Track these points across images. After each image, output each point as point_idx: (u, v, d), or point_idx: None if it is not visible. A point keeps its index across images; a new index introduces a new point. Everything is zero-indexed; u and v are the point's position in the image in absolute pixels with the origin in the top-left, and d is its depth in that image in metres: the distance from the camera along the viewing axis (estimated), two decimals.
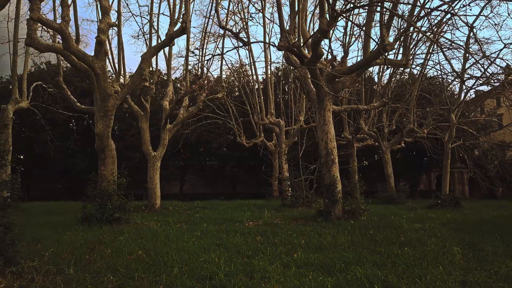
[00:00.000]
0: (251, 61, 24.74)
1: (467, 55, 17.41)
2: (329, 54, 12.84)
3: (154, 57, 18.22)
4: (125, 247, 7.85)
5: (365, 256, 6.91)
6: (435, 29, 13.67)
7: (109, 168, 11.55)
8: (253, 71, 25.36)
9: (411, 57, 23.28)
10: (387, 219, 11.55)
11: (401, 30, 12.22)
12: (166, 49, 18.20)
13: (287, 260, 6.84)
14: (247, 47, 23.80)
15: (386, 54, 10.28)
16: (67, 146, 32.07)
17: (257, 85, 25.73)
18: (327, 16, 9.00)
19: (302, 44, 11.14)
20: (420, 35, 19.31)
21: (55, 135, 28.65)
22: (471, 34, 17.13)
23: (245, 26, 23.37)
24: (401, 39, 11.65)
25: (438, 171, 41.87)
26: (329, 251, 7.39)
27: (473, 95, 30.02)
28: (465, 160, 26.67)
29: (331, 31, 12.32)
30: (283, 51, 12.62)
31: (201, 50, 17.94)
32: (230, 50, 43.37)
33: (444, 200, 17.09)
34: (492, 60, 16.06)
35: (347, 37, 16.57)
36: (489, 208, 17.10)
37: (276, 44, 10.86)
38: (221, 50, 19.58)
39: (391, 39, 11.28)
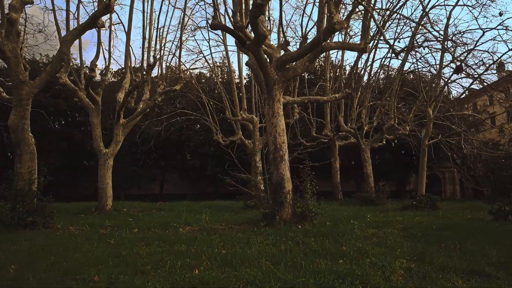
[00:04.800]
0: (226, 51, 23.41)
1: (445, 46, 16.09)
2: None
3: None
4: None
5: (278, 273, 5.57)
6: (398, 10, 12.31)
7: (26, 166, 10.18)
8: (225, 63, 23.86)
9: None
10: (341, 224, 10.23)
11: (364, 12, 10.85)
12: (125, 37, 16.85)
13: (180, 279, 5.51)
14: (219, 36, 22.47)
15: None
16: (44, 144, 30.83)
17: (231, 79, 24.37)
18: None
19: (246, 25, 9.79)
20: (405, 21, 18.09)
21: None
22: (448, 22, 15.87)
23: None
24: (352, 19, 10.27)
25: (428, 170, 40.65)
26: (242, 265, 6.04)
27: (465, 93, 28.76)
28: (449, 158, 25.37)
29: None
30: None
31: (157, 37, 16.48)
32: (196, 32, 41.84)
33: (419, 201, 15.75)
34: (470, 49, 14.84)
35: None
36: (469, 210, 15.79)
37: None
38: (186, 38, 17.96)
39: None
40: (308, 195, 10.33)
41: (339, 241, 7.90)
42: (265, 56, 10.93)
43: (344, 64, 25.06)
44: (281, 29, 14.82)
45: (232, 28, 9.50)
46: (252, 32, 9.91)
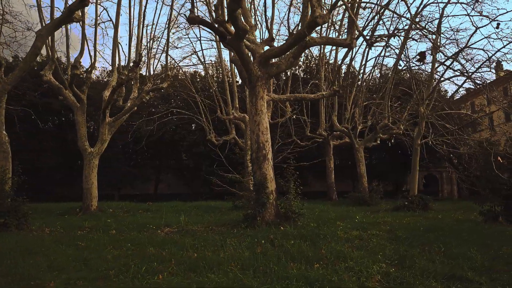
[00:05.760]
0: (218, 49, 22.98)
1: (438, 42, 15.78)
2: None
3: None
4: None
5: (244, 279, 5.23)
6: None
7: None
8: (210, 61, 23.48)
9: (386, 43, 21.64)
10: (326, 225, 9.89)
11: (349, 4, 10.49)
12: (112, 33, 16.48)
13: (142, 284, 5.19)
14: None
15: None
16: (34, 144, 30.54)
17: (223, 77, 24.01)
18: None
19: (227, 20, 9.44)
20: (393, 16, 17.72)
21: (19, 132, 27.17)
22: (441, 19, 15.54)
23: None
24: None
25: (426, 170, 40.28)
26: (209, 270, 5.70)
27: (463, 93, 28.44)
28: (446, 158, 25.03)
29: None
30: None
31: (141, 34, 16.07)
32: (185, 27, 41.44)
33: (411, 201, 15.39)
34: (462, 48, 14.52)
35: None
36: (462, 210, 15.46)
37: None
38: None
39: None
40: (292, 195, 9.99)
41: (318, 244, 7.57)
42: (249, 52, 10.62)
43: (338, 63, 24.54)
44: (267, 25, 14.40)
45: (214, 22, 9.15)
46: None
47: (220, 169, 16.12)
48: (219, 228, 9.77)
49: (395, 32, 13.42)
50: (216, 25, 9.60)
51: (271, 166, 10.16)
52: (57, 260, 6.48)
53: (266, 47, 11.04)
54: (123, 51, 38.58)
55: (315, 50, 43.56)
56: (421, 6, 17.94)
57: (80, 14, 10.24)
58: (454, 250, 7.01)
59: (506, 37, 14.09)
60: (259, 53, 10.31)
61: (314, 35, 11.15)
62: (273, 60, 10.81)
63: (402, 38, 14.56)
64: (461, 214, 13.69)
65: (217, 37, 20.94)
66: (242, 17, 11.99)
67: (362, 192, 21.82)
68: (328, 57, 25.84)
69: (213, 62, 32.58)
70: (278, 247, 7.26)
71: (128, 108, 16.00)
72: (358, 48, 22.68)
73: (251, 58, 10.28)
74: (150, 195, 35.95)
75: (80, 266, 6.16)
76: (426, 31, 11.03)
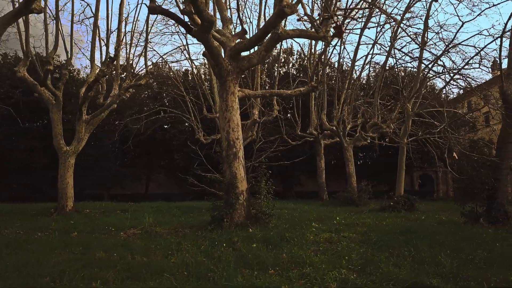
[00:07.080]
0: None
1: (426, 38, 15.33)
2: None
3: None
4: None
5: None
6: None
7: None
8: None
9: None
10: (299, 227, 9.42)
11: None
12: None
13: None
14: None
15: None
16: (26, 143, 30.04)
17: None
18: None
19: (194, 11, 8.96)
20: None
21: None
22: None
23: None
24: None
25: (421, 170, 39.79)
26: (151, 277, 5.23)
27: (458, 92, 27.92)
28: (441, 158, 24.48)
29: None
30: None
31: (118, 28, 15.55)
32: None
33: (397, 202, 14.91)
34: (448, 43, 14.07)
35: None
36: (449, 211, 14.97)
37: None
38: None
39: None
40: (262, 195, 9.51)
41: (281, 247, 7.09)
42: (220, 46, 10.15)
43: (316, 57, 23.84)
44: (239, 16, 13.88)
45: (181, 13, 8.67)
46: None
47: (201, 168, 15.58)
48: (185, 230, 9.30)
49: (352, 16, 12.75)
50: (183, 17, 9.12)
51: (242, 165, 9.69)
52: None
53: (239, 41, 10.56)
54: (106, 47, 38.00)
55: (307, 48, 43.07)
56: (411, 2, 17.51)
57: (42, 5, 9.77)
58: (424, 254, 6.54)
59: (497, 33, 13.59)
60: (230, 47, 9.84)
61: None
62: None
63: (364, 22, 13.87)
64: (447, 215, 13.21)
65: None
66: (216, 9, 11.55)
67: (351, 192, 21.34)
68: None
69: (204, 61, 32.07)
70: (237, 251, 6.79)
71: (106, 106, 15.51)
72: (336, 45, 22.19)
73: (222, 52, 9.83)
74: (141, 195, 35.44)
75: (14, 273, 5.68)
76: (404, 24, 10.53)
